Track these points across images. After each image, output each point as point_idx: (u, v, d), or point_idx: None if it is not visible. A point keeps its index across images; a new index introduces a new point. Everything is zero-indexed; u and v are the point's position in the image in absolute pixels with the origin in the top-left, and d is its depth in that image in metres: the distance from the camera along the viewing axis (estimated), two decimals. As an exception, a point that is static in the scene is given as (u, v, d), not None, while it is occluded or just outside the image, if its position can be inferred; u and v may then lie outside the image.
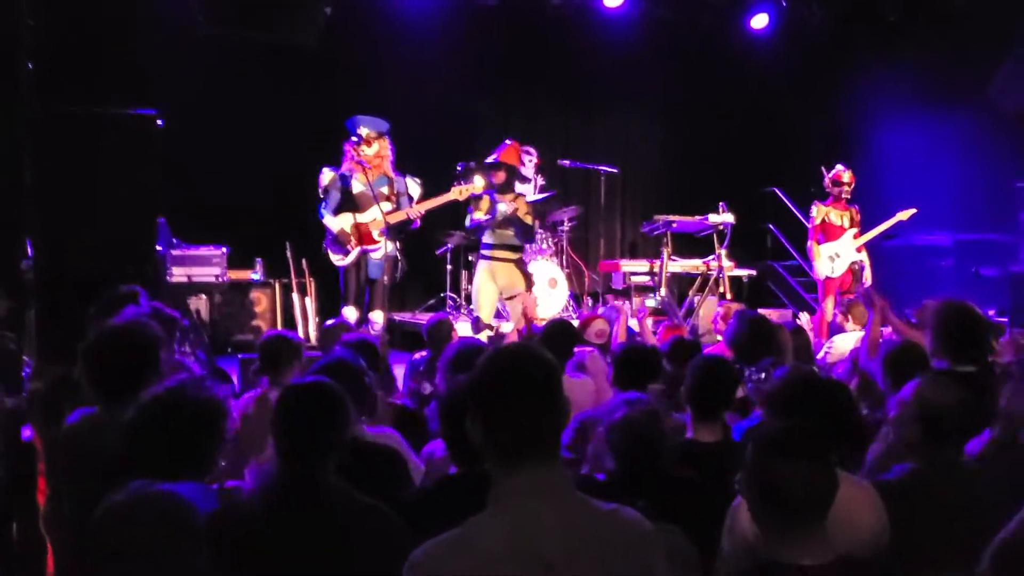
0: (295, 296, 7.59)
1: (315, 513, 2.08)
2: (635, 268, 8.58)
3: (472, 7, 9.51)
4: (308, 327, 7.58)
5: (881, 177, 9.08)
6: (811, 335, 5.90)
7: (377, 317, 6.56)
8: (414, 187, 6.76)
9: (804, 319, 6.36)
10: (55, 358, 3.96)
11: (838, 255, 7.60)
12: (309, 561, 2.05)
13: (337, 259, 6.64)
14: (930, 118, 9.25)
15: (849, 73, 9.97)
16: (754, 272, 9.13)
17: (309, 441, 2.13)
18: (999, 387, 3.08)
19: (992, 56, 8.63)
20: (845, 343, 5.22)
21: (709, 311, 7.12)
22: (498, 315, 7.27)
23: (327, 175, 6.68)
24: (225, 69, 8.30)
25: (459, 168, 7.05)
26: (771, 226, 10.20)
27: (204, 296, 7.52)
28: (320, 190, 6.69)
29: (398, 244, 6.66)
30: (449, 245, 8.63)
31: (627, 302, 7.94)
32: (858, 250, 7.65)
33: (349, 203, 6.58)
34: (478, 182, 6.71)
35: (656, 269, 8.08)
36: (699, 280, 7.90)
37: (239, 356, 5.53)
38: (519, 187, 8.41)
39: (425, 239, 8.33)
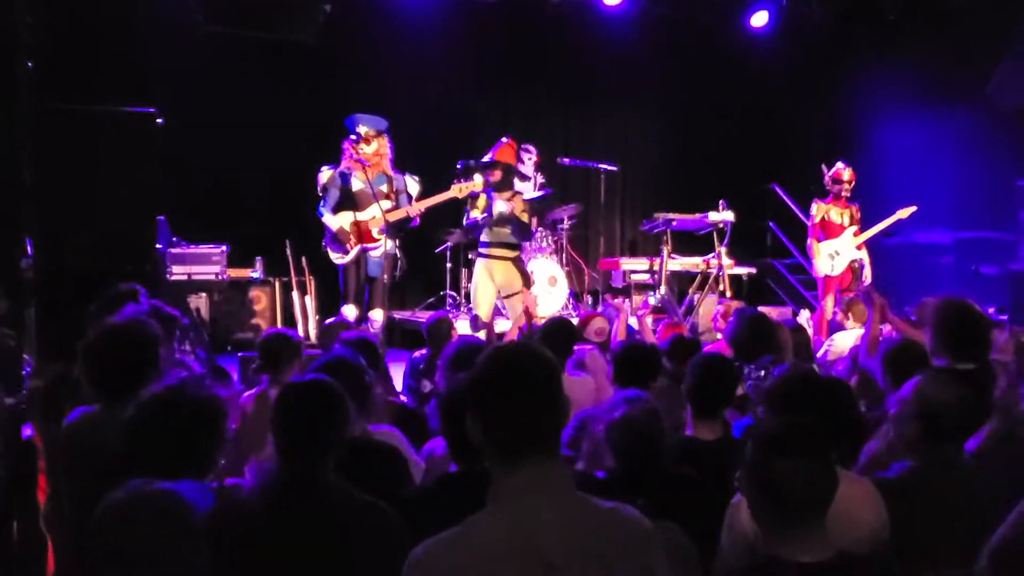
0: (295, 294, 7.59)
1: (315, 511, 2.08)
2: (635, 266, 8.58)
3: (472, 5, 9.50)
4: (308, 325, 7.58)
5: (881, 175, 9.08)
6: (811, 333, 5.91)
7: (377, 315, 6.56)
8: (413, 185, 6.76)
9: (804, 317, 6.37)
10: (55, 356, 3.96)
11: (838, 253, 7.59)
12: (309, 559, 2.04)
13: (336, 257, 6.63)
14: (930, 116, 9.25)
15: (849, 71, 9.97)
16: (754, 270, 9.13)
17: (309, 439, 2.13)
18: (1012, 391, 3.09)
19: (992, 54, 8.63)
20: (845, 341, 5.22)
21: (709, 309, 7.13)
22: (497, 312, 7.27)
23: (326, 173, 6.68)
24: (225, 67, 8.30)
25: (459, 166, 7.04)
26: (771, 224, 10.20)
27: (204, 294, 7.53)
28: (319, 188, 6.69)
29: (397, 242, 6.66)
30: (449, 243, 8.63)
31: (627, 300, 7.93)
32: (858, 248, 7.65)
33: (349, 201, 6.58)
34: (478, 180, 6.71)
35: (656, 267, 8.07)
36: (699, 278, 7.90)
37: (239, 354, 5.53)
38: (519, 185, 8.41)
39: (425, 237, 8.33)
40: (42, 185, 5.22)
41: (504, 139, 7.13)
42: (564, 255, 8.76)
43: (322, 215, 6.65)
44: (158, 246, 6.45)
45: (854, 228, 7.69)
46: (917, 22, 9.33)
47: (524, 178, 8.57)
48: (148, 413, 2.32)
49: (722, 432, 3.06)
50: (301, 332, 7.32)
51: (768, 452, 1.92)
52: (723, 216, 7.72)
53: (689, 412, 3.09)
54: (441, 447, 2.89)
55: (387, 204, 6.50)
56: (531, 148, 8.68)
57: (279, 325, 7.50)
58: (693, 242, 8.61)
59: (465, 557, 1.60)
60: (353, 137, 6.62)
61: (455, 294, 8.75)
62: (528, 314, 5.33)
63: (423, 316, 7.64)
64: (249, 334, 7.41)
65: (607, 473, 2.69)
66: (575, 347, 4.31)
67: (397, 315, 8.45)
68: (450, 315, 6.28)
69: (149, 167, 5.66)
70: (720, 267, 7.65)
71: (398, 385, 4.89)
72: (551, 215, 8.80)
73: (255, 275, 8.04)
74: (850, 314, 5.61)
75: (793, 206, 9.57)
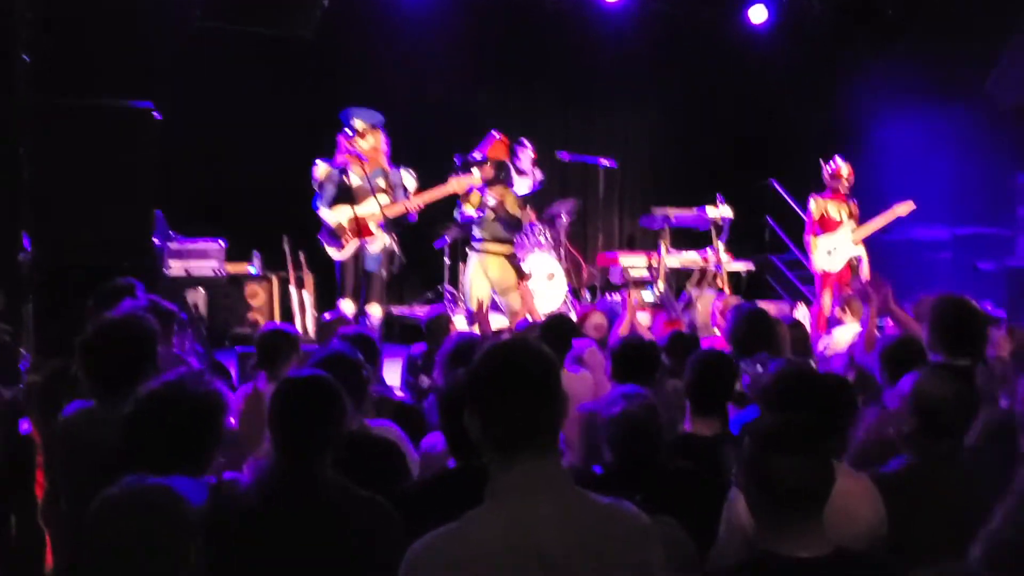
0: (292, 289, 7.58)
1: (312, 507, 2.08)
2: (633, 262, 8.59)
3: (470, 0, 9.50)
4: (306, 321, 7.57)
5: (879, 171, 9.08)
6: (809, 329, 5.91)
7: (375, 311, 6.55)
8: (409, 179, 6.73)
9: (802, 313, 6.37)
10: (52, 351, 3.96)
11: (836, 249, 7.59)
12: (307, 555, 2.04)
13: (334, 252, 6.62)
14: (928, 112, 9.24)
15: (847, 67, 9.97)
16: (752, 266, 9.13)
17: (306, 435, 2.13)
18: (995, 380, 3.10)
19: (990, 50, 8.63)
20: (843, 337, 5.21)
21: (707, 305, 7.12)
22: (495, 307, 7.27)
23: (321, 167, 6.65)
24: (222, 62, 8.28)
25: (457, 161, 7.03)
26: (769, 219, 10.20)
27: (202, 289, 7.52)
28: (314, 183, 6.66)
29: (394, 237, 6.65)
30: (447, 238, 8.62)
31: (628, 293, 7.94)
32: (856, 244, 7.65)
33: (346, 196, 6.56)
34: (476, 175, 6.70)
35: (654, 263, 8.08)
36: (697, 273, 7.91)
37: (237, 349, 5.52)
38: (517, 180, 8.41)
39: (423, 232, 8.32)
40: (40, 180, 5.21)
41: (495, 134, 7.13)
42: (562, 251, 8.75)
43: (318, 209, 6.63)
44: (155, 241, 6.44)
45: (852, 224, 7.69)
46: (916, 18, 9.33)
47: (522, 174, 8.57)
48: (147, 409, 2.31)
49: (720, 428, 3.07)
50: (299, 327, 7.32)
51: (765, 448, 1.92)
52: (721, 212, 7.73)
53: (688, 408, 3.09)
54: (440, 443, 2.89)
55: (385, 199, 6.48)
56: (526, 143, 8.67)
57: (277, 320, 7.49)
58: (691, 238, 8.62)
59: (463, 553, 1.60)
60: (348, 131, 6.59)
61: (453, 289, 8.75)
62: (528, 307, 5.32)
63: (421, 311, 7.65)
64: (247, 329, 7.39)
65: (605, 469, 2.69)
66: (573, 343, 4.31)
67: (395, 310, 8.45)
68: (448, 310, 6.27)
69: (146, 162, 5.65)
70: (718, 263, 7.66)
71: (394, 381, 4.89)
72: (550, 211, 8.79)
73: (253, 270, 8.03)
74: (848, 310, 5.60)
75: (791, 202, 9.56)
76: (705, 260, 7.87)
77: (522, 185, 8.45)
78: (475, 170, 6.74)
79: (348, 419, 2.29)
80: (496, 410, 1.65)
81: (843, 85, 10.03)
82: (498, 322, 6.48)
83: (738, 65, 10.23)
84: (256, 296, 7.87)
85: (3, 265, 5.04)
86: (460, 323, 6.43)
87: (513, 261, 7.02)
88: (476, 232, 6.97)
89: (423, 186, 6.70)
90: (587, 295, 9.02)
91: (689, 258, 8.28)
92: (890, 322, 4.46)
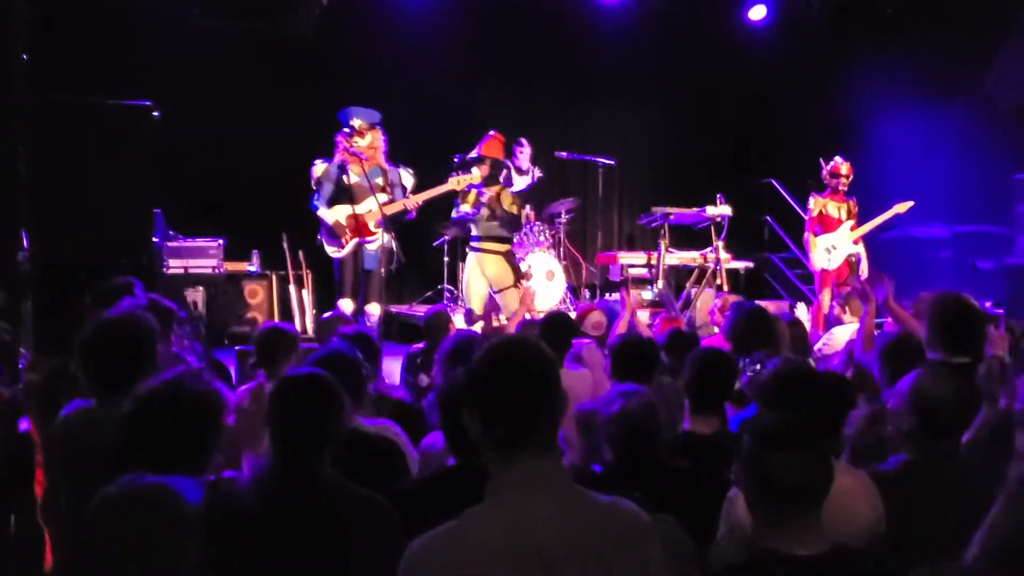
0: (291, 288, 7.59)
1: (311, 505, 2.08)
2: (632, 260, 8.59)
3: (469, -2, 9.50)
4: (305, 319, 7.58)
5: (878, 169, 9.08)
6: (808, 327, 5.91)
7: (374, 309, 6.55)
8: (407, 177, 6.73)
9: (801, 311, 6.37)
10: (52, 350, 3.96)
11: (835, 247, 7.60)
12: (306, 553, 2.04)
13: (332, 251, 6.62)
14: (928, 110, 9.25)
15: (847, 65, 9.96)
16: (751, 264, 9.13)
17: (305, 433, 2.12)
18: (994, 379, 3.10)
19: (989, 49, 8.63)
20: (842, 335, 5.22)
21: (706, 303, 7.13)
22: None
23: (319, 167, 6.65)
24: (220, 60, 8.27)
25: (456, 159, 7.03)
26: (768, 218, 10.20)
27: (201, 288, 7.52)
28: (312, 182, 6.66)
29: (393, 235, 6.65)
30: (446, 237, 8.62)
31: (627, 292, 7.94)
32: (855, 242, 7.65)
33: (345, 195, 6.55)
34: (476, 173, 6.71)
35: (653, 261, 8.08)
36: (696, 272, 7.91)
37: (236, 348, 5.52)
38: (516, 179, 8.41)
39: (422, 231, 8.33)
40: (38, 178, 5.21)
41: (491, 132, 7.13)
42: (562, 249, 8.76)
43: (316, 208, 6.63)
44: (154, 240, 6.44)
45: (851, 222, 7.70)
46: (915, 16, 9.32)
47: (521, 172, 8.57)
48: (146, 408, 2.31)
49: (719, 426, 3.07)
50: (298, 326, 7.32)
51: (763, 446, 1.92)
52: (721, 210, 7.72)
53: (687, 406, 3.10)
54: (440, 441, 2.89)
55: (384, 197, 6.48)
56: (524, 142, 8.67)
57: (276, 319, 7.50)
58: (691, 236, 8.62)
59: (462, 551, 1.60)
60: (347, 130, 6.59)
61: (452, 288, 8.75)
62: (527, 305, 5.33)
63: (420, 310, 7.65)
64: (245, 328, 7.40)
65: (604, 467, 2.69)
66: (573, 341, 4.31)
67: (394, 309, 8.45)
68: (448, 309, 6.27)
69: (145, 160, 5.65)
70: (717, 261, 7.65)
71: (394, 380, 4.89)
72: (549, 209, 8.79)
73: (252, 269, 8.03)
74: (847, 308, 5.61)
75: (791, 200, 9.57)
76: (704, 259, 7.87)
77: (521, 183, 8.46)
78: (475, 169, 6.74)
79: (346, 417, 2.28)
80: (496, 409, 1.65)
81: (842, 83, 10.03)
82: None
83: (737, 64, 10.23)
84: (255, 295, 7.87)
85: (2, 264, 5.04)
86: (459, 322, 6.43)
87: (511, 259, 7.02)
88: (473, 231, 7.00)
89: (422, 185, 6.71)
90: (586, 294, 9.02)
91: (688, 257, 8.28)
92: (889, 320, 4.45)
